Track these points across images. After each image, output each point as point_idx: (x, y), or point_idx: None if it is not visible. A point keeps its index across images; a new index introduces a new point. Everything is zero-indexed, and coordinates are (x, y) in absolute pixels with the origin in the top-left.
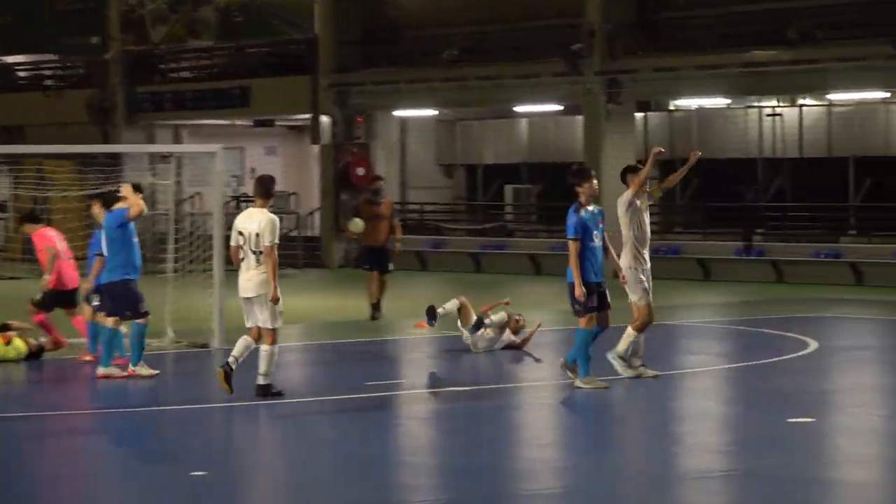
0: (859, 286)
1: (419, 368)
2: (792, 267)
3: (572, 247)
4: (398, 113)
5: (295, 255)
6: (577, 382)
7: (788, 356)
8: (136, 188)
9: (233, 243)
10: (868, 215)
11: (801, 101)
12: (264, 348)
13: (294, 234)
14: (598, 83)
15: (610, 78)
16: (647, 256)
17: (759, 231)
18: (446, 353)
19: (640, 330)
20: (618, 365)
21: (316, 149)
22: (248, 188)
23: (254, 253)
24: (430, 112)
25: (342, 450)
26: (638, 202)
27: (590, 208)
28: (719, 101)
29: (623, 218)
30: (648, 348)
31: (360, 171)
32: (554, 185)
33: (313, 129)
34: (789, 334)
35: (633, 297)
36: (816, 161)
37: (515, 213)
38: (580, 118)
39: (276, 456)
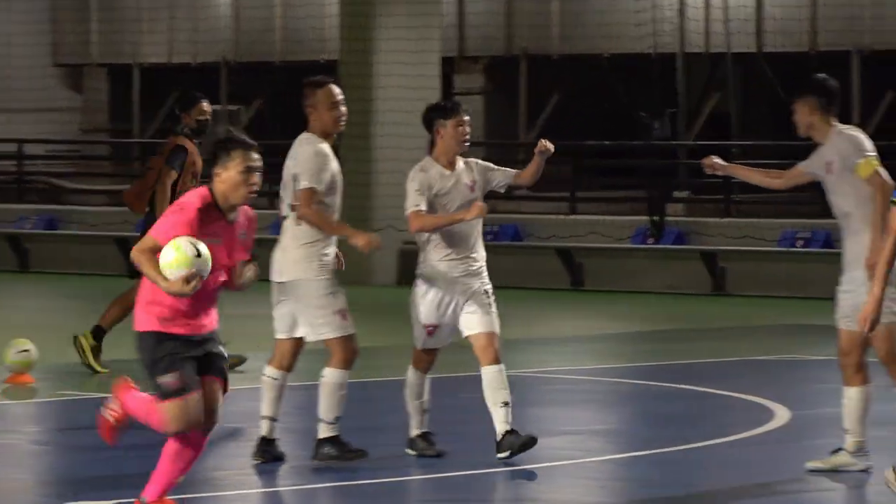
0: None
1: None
2: (738, 264)
3: None
4: None
5: None
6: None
7: None
8: None
9: (421, 207)
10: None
11: None
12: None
13: None
14: None
15: None
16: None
17: (677, 196)
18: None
19: None
20: None
21: None
22: None
23: None
24: None
25: None
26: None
27: None
28: None
29: None
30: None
31: None
32: (284, 101)
33: None
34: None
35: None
36: (786, 58)
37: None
38: None
39: None
